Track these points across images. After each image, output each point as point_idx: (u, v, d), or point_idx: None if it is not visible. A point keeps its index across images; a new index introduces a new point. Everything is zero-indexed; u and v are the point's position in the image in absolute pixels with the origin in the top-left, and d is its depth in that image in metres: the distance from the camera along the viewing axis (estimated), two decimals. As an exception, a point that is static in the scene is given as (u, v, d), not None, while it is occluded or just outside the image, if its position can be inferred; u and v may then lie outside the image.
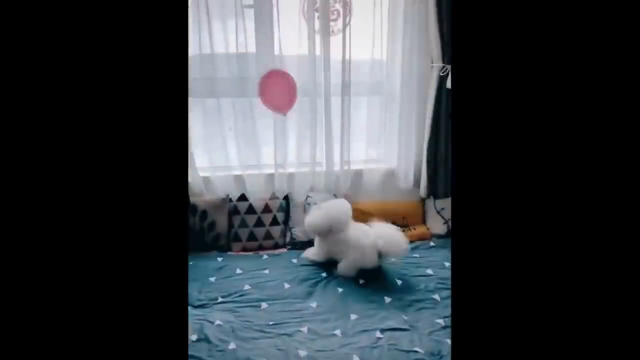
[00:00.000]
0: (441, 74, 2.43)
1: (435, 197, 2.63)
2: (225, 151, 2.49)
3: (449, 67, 2.39)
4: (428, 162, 2.57)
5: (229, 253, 2.38)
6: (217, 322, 1.77)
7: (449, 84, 2.41)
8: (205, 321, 1.76)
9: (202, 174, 2.49)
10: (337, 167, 2.57)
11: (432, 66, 2.47)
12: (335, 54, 2.39)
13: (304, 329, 1.75)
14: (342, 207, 2.23)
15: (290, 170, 2.56)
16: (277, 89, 2.35)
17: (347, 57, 2.38)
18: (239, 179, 2.53)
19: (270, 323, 1.79)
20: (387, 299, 1.97)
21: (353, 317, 1.84)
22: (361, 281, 2.10)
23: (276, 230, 2.50)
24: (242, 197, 2.51)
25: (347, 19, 2.40)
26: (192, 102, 2.36)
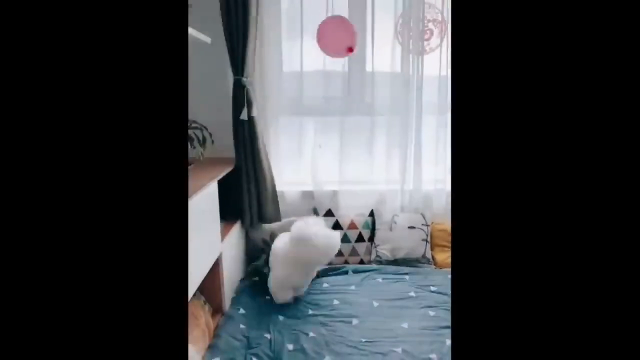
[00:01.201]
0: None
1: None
2: (305, 167, 2.55)
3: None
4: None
5: (316, 267, 2.41)
6: (311, 334, 1.78)
7: None
8: (300, 332, 1.79)
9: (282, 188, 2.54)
10: (428, 186, 2.52)
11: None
12: (429, 71, 2.38)
13: (398, 350, 1.70)
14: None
15: (379, 187, 2.56)
16: (336, 34, 2.20)
17: (442, 74, 2.36)
18: (326, 194, 2.57)
19: (363, 340, 1.76)
20: (483, 326, 1.87)
21: (447, 342, 1.76)
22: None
23: (361, 247, 2.50)
24: (329, 213, 2.55)
25: (443, 35, 2.39)
26: (283, 120, 2.47)
